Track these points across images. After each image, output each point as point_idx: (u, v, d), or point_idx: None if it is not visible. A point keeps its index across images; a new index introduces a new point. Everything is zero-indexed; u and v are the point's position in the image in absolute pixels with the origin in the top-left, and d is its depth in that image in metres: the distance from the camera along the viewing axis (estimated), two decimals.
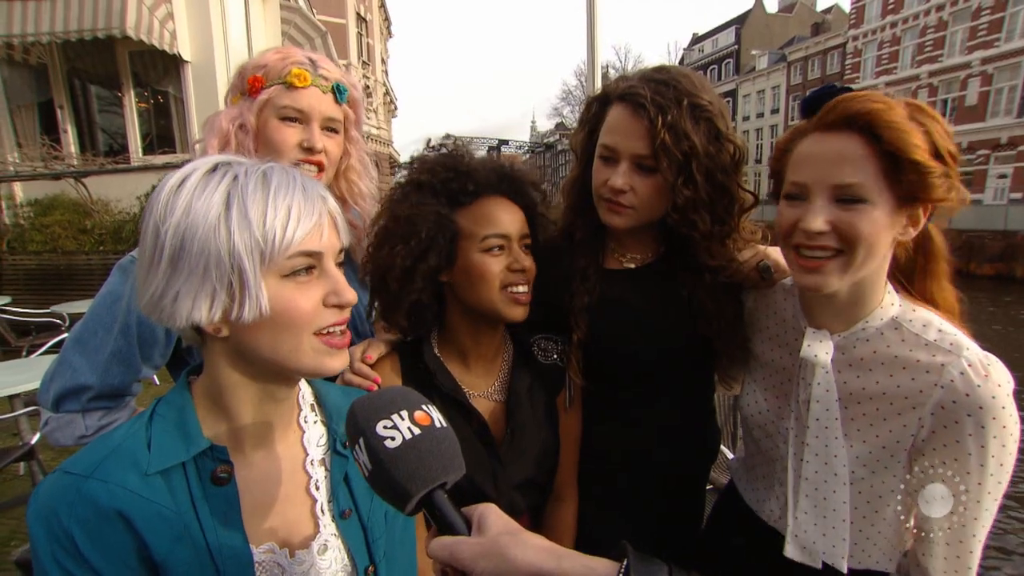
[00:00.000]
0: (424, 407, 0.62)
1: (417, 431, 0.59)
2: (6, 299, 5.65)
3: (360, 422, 0.60)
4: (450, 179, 1.07)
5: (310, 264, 0.66)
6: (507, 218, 1.07)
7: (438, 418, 0.62)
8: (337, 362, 0.69)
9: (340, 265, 0.72)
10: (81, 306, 4.98)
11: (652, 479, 1.25)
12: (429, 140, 1.18)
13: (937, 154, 0.85)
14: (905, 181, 0.84)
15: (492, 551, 0.54)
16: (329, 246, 0.68)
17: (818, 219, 0.88)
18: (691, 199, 1.09)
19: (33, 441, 2.83)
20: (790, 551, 1.04)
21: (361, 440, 0.59)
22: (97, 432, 1.06)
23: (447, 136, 1.20)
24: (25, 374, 2.93)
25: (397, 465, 0.57)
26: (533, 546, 0.55)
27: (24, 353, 4.58)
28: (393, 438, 0.58)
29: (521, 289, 1.07)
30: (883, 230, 0.87)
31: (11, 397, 2.83)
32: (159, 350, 1.10)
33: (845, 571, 0.99)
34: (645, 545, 1.26)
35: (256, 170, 0.64)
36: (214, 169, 0.64)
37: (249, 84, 1.16)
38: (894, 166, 0.83)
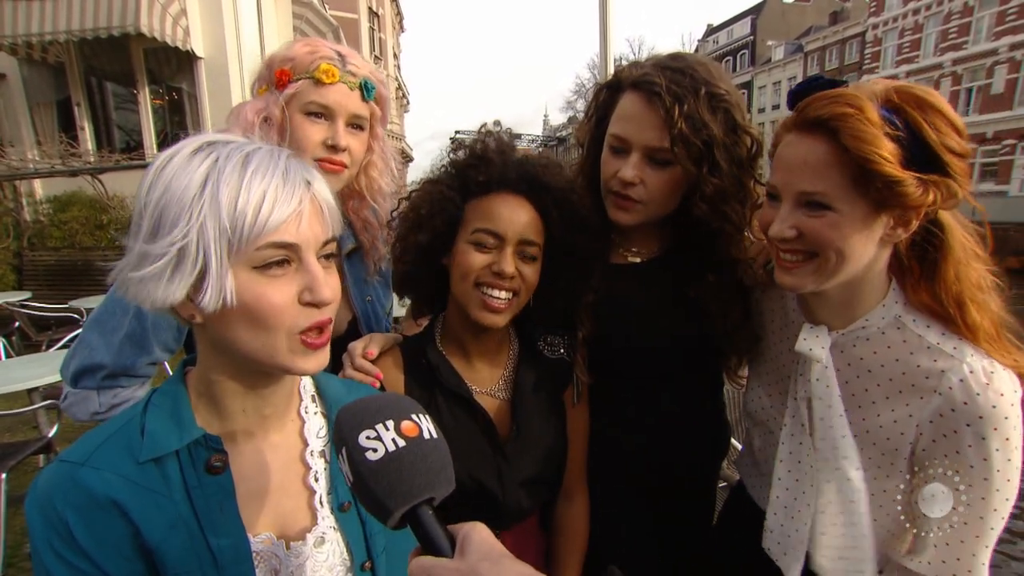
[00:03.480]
0: (414, 416, 0.59)
1: (402, 443, 0.55)
2: (26, 294, 5.79)
3: (343, 431, 0.57)
4: (469, 166, 1.05)
5: (284, 257, 0.62)
6: (508, 217, 1.00)
7: (428, 428, 0.59)
8: (312, 363, 0.65)
9: (330, 257, 0.68)
10: (98, 302, 5.04)
11: (659, 477, 1.23)
12: (483, 125, 1.14)
13: (924, 157, 0.79)
14: (873, 189, 0.79)
15: None
16: (310, 237, 0.63)
17: (784, 225, 0.86)
18: (720, 188, 1.05)
19: (51, 434, 2.88)
20: (766, 541, 1.04)
21: (344, 450, 0.56)
22: (110, 410, 1.10)
23: (496, 123, 1.15)
24: (44, 368, 2.98)
25: (377, 479, 0.54)
26: (512, 573, 0.52)
27: (44, 347, 4.69)
28: (375, 450, 0.54)
29: (496, 294, 1.00)
30: (855, 236, 0.83)
31: (30, 391, 2.88)
32: (172, 334, 1.11)
33: (797, 574, 1.00)
34: (651, 543, 1.25)
35: (239, 151, 0.62)
36: (200, 149, 0.62)
37: (276, 76, 1.16)
38: (862, 174, 0.79)
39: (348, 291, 1.36)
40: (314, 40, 1.20)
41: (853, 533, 0.94)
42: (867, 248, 0.85)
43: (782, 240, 0.88)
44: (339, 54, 1.17)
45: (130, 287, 0.62)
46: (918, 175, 0.78)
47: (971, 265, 0.89)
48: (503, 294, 1.00)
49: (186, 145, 0.63)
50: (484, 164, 1.04)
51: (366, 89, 1.19)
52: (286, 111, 1.15)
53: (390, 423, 0.57)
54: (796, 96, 0.88)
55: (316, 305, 0.64)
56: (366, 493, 0.55)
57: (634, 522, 1.24)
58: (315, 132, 1.16)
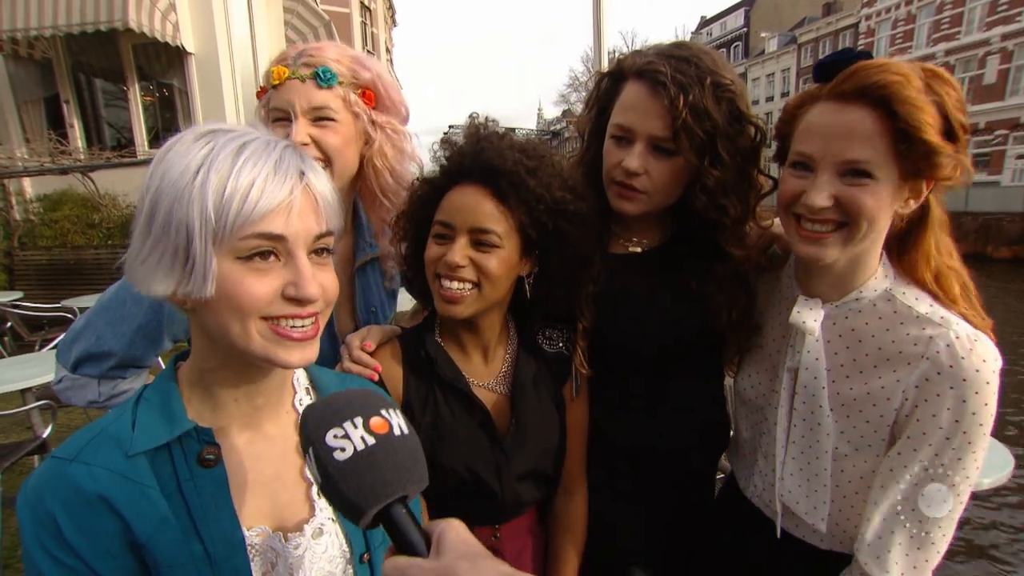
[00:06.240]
0: (384, 412, 0.56)
1: (371, 441, 0.53)
2: (18, 294, 5.74)
3: (310, 430, 0.55)
4: (445, 161, 1.07)
5: (269, 248, 0.60)
6: (459, 207, 0.99)
7: (399, 424, 0.57)
8: (294, 355, 0.63)
9: (324, 252, 0.66)
10: (91, 301, 5.01)
11: (659, 470, 1.22)
12: (474, 116, 1.12)
13: (948, 129, 0.82)
14: (913, 158, 0.82)
15: None
16: (300, 229, 0.62)
17: (823, 194, 0.87)
18: (720, 181, 1.05)
19: (45, 435, 2.86)
20: (779, 490, 1.07)
21: (311, 450, 0.54)
22: (109, 399, 1.07)
23: (473, 115, 1.14)
24: (38, 368, 2.95)
25: (346, 479, 0.52)
26: (490, 572, 0.50)
27: (37, 347, 4.65)
28: (343, 449, 0.52)
29: (448, 285, 0.98)
30: (886, 205, 0.86)
31: (23, 391, 2.86)
32: (183, 325, 1.09)
33: (824, 529, 1.01)
34: (653, 535, 1.25)
35: (237, 139, 0.61)
36: (201, 136, 0.61)
37: (259, 96, 1.22)
38: (905, 143, 0.81)
39: (354, 301, 1.30)
40: (290, 47, 1.19)
41: (812, 481, 1.01)
42: (888, 217, 0.88)
43: (816, 210, 0.88)
44: (300, 51, 1.15)
45: (133, 274, 0.62)
46: (952, 146, 0.82)
47: (942, 237, 0.94)
48: (455, 284, 0.98)
49: (191, 132, 0.62)
50: (451, 158, 1.05)
51: (321, 76, 1.13)
52: (266, 122, 1.16)
53: (358, 420, 0.54)
54: (828, 67, 0.88)
55: (300, 301, 0.62)
56: (336, 494, 0.53)
57: (635, 515, 1.23)
58: (278, 135, 1.13)
